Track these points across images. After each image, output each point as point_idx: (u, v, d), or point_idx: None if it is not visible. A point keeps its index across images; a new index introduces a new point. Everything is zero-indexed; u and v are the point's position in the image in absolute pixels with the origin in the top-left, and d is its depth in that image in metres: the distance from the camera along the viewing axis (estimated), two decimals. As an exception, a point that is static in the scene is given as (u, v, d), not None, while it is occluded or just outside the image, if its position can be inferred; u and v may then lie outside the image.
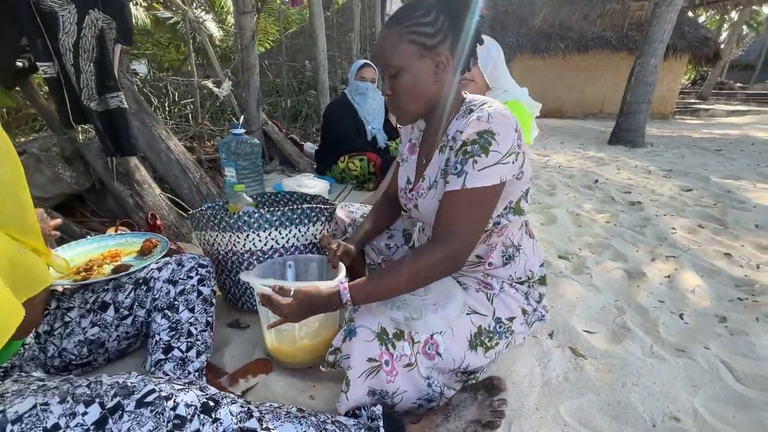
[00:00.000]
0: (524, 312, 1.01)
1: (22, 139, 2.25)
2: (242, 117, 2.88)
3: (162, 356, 0.91)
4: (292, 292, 0.80)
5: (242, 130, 2.03)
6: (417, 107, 0.87)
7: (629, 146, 5.31)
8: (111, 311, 0.97)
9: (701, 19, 12.60)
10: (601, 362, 1.11)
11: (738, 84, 19.42)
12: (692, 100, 14.16)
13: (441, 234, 0.80)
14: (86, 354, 0.96)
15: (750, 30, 22.91)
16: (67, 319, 0.94)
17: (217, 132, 3.44)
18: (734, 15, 16.03)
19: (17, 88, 1.86)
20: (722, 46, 10.91)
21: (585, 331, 1.25)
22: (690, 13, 9.02)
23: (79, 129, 2.50)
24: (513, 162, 0.81)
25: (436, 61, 0.82)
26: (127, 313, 0.98)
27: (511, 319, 0.98)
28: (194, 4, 6.83)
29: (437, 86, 0.85)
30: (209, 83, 2.79)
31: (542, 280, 1.07)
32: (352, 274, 1.21)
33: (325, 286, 0.82)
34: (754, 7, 11.94)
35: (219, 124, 3.85)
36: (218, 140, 3.25)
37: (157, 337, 0.94)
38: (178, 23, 6.44)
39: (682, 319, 1.33)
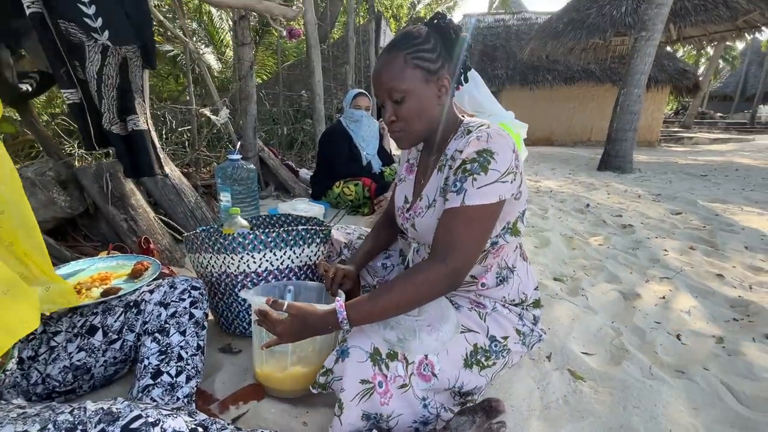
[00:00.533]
0: (519, 332, 1.00)
1: (17, 166, 2.26)
2: (239, 143, 2.92)
3: (150, 381, 0.88)
4: (285, 306, 0.79)
5: (239, 156, 2.06)
6: (421, 130, 0.89)
7: (618, 172, 5.43)
8: (99, 335, 0.95)
9: (679, 54, 13.28)
10: (600, 385, 1.09)
11: (719, 114, 20.25)
12: (676, 129, 14.67)
13: (440, 251, 0.80)
14: (71, 381, 0.92)
15: (726, 63, 24.15)
16: (53, 343, 0.92)
17: (213, 158, 3.47)
18: (710, 50, 16.92)
19: (18, 117, 1.89)
20: (701, 79, 11.44)
21: (583, 353, 1.23)
22: (668, 48, 9.51)
23: (77, 154, 2.52)
24: (511, 181, 0.82)
25: (439, 85, 0.86)
26: (116, 337, 0.96)
27: (505, 338, 0.97)
28: (195, 38, 7.07)
29: (439, 109, 0.89)
30: (207, 111, 2.85)
31: (536, 303, 1.06)
32: (347, 297, 1.20)
33: (321, 306, 0.81)
34: (728, 43, 12.64)
35: (215, 150, 3.90)
36: (214, 166, 3.28)
37: (146, 362, 0.91)
38: (178, 56, 6.66)
39: (679, 339, 1.33)
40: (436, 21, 0.87)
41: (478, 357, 0.92)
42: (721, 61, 21.56)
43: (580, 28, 7.38)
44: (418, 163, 1.05)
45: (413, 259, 1.10)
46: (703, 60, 22.24)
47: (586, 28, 7.31)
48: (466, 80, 0.94)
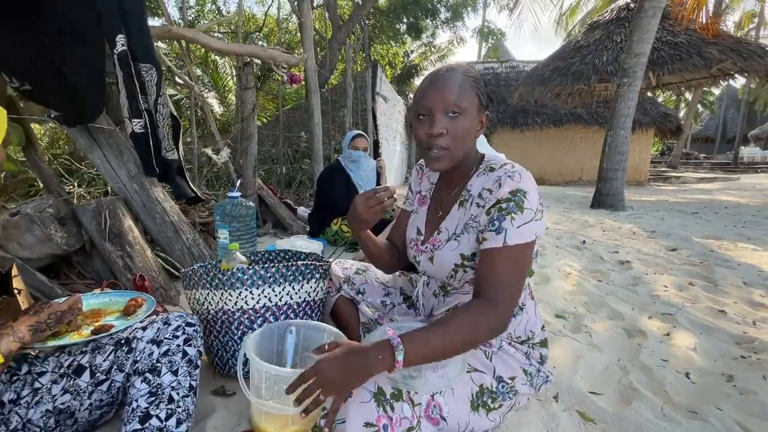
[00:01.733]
0: (526, 372, 0.97)
1: (12, 206, 2.26)
2: (239, 181, 2.96)
3: (138, 426, 0.83)
4: (317, 359, 0.71)
5: (238, 194, 2.09)
6: (462, 154, 0.90)
7: (611, 210, 5.52)
8: (86, 376, 0.90)
9: (660, 99, 14.02)
10: (612, 427, 1.04)
11: (702, 155, 21.05)
12: (663, 169, 15.13)
13: (489, 292, 0.80)
14: (52, 426, 0.87)
15: (705, 108, 25.47)
16: (37, 385, 0.87)
17: (212, 196, 3.50)
18: (688, 95, 17.88)
19: (21, 157, 1.92)
20: (682, 122, 11.98)
21: (591, 392, 1.19)
22: (649, 94, 10.04)
23: (76, 193, 2.53)
24: (540, 219, 0.84)
25: (480, 120, 0.91)
26: (104, 377, 0.91)
27: (512, 378, 0.94)
28: (199, 82, 7.38)
29: (474, 142, 0.92)
30: (208, 150, 2.92)
31: (543, 343, 1.04)
32: (345, 330, 1.17)
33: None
34: (705, 89, 13.40)
35: (214, 189, 3.94)
36: (213, 204, 3.30)
37: (134, 404, 0.86)
38: (181, 99, 6.92)
39: (688, 378, 1.29)
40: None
41: (485, 399, 0.89)
42: (699, 106, 22.74)
43: (565, 74, 7.81)
44: (431, 195, 1.07)
45: (422, 292, 1.08)
46: (682, 105, 23.47)
47: (571, 75, 7.74)
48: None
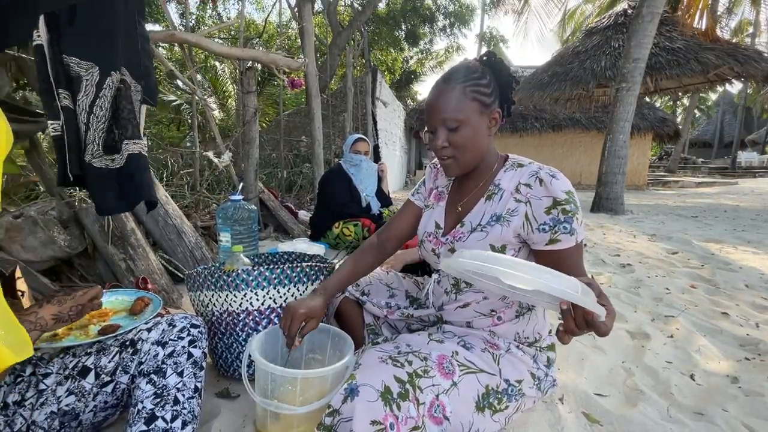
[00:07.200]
0: (533, 376, 0.98)
1: (14, 209, 2.26)
2: (240, 185, 2.97)
3: (144, 427, 0.82)
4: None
5: (240, 197, 2.09)
6: (471, 159, 0.92)
7: (611, 213, 5.53)
8: (91, 377, 0.90)
9: (657, 104, 14.12)
10: (618, 428, 1.04)
11: (700, 159, 21.17)
12: (662, 173, 15.20)
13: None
14: (57, 428, 0.86)
15: (702, 113, 25.67)
16: (42, 386, 0.86)
17: (213, 200, 3.50)
18: (686, 101, 18.03)
19: (23, 158, 1.92)
20: (680, 126, 12.05)
21: (596, 394, 1.18)
22: (647, 98, 10.11)
23: (77, 196, 2.53)
24: None
25: (491, 118, 0.91)
26: (109, 379, 0.91)
27: (519, 381, 0.95)
28: (200, 87, 7.42)
29: (488, 140, 0.93)
30: (210, 154, 2.92)
31: (551, 347, 1.05)
32: (349, 332, 1.16)
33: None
34: (701, 94, 13.50)
35: (215, 193, 3.94)
36: (214, 208, 3.30)
37: (139, 406, 0.85)
38: (182, 105, 6.94)
39: (693, 380, 1.28)
40: (487, 58, 0.94)
41: (490, 400, 0.89)
42: (696, 111, 22.90)
43: (564, 80, 7.87)
44: (449, 190, 1.08)
45: (434, 290, 1.08)
46: (679, 110, 23.65)
47: (569, 80, 7.79)
48: (509, 115, 0.98)
